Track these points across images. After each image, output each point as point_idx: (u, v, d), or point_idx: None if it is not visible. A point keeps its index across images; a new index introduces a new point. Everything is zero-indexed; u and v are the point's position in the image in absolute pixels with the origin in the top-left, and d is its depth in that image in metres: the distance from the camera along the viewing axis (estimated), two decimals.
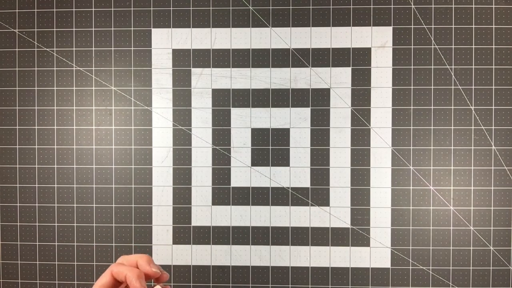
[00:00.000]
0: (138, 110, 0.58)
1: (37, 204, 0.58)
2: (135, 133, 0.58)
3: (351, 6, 0.57)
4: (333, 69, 0.57)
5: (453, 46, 0.56)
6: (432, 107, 0.56)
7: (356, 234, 0.57)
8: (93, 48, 0.58)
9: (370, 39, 0.56)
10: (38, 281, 0.58)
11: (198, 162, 0.57)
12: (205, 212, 0.57)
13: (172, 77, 0.58)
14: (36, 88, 0.58)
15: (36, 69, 0.58)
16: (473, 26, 0.56)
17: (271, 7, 0.57)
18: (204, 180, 0.57)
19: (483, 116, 0.56)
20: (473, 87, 0.56)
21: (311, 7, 0.57)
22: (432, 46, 0.56)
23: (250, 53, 0.57)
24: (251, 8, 0.57)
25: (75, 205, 0.58)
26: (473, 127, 0.56)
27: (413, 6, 0.56)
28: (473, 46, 0.56)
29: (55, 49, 0.58)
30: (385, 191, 0.56)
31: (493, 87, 0.56)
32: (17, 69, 0.58)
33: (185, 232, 0.58)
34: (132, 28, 0.58)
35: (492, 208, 0.56)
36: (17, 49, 0.58)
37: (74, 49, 0.58)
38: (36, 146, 0.58)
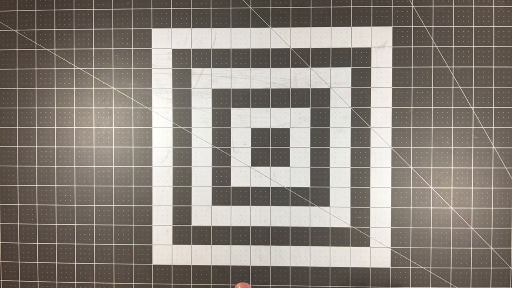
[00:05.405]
0: (138, 110, 0.58)
1: (37, 204, 0.58)
2: (135, 133, 0.58)
3: (351, 6, 0.57)
4: (333, 69, 0.57)
5: (453, 46, 0.56)
6: (432, 107, 0.56)
7: (356, 234, 0.57)
8: (93, 48, 0.58)
9: (370, 39, 0.56)
10: (38, 281, 0.58)
11: (198, 162, 0.57)
12: (205, 212, 0.57)
13: (172, 77, 0.58)
14: (36, 88, 0.58)
15: (36, 69, 0.58)
16: (473, 26, 0.56)
17: (271, 7, 0.57)
18: (204, 180, 0.57)
19: (483, 116, 0.56)
20: (473, 87, 0.56)
21: (311, 7, 0.57)
22: (432, 46, 0.56)
23: (250, 53, 0.57)
24: (251, 8, 0.57)
25: (75, 205, 0.58)
26: (473, 127, 0.56)
27: (413, 6, 0.56)
28: (473, 46, 0.56)
29: (55, 49, 0.58)
30: (385, 191, 0.56)
31: (493, 87, 0.56)
32: (17, 69, 0.58)
33: (185, 232, 0.58)
34: (132, 28, 0.58)
35: (492, 208, 0.56)
36: (17, 49, 0.58)
37: (74, 49, 0.58)
38: (36, 146, 0.58)
